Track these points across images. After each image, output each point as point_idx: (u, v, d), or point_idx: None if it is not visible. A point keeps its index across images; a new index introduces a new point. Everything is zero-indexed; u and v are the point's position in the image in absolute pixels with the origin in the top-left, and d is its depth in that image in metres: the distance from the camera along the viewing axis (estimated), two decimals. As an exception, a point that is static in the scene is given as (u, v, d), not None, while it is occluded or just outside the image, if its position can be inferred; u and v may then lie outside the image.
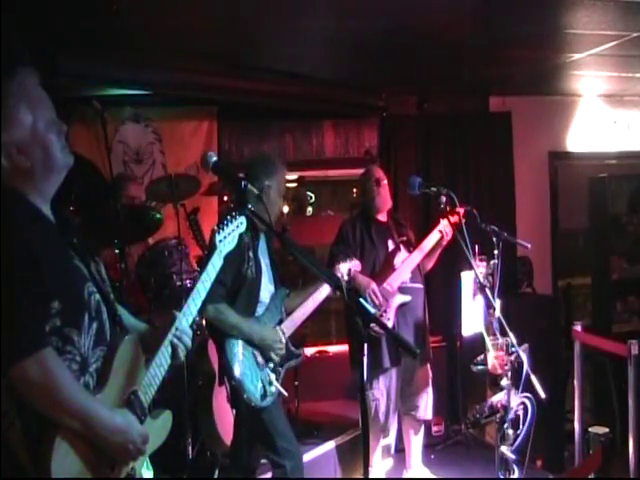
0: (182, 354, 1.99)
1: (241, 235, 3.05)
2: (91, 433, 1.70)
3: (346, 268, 3.55)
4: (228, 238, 2.28)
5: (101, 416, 1.71)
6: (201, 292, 2.11)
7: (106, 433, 1.72)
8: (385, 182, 4.23)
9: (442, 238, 3.96)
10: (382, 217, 4.22)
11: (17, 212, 1.74)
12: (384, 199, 4.20)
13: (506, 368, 3.31)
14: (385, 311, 3.91)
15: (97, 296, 1.85)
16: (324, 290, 3.30)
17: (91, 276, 1.87)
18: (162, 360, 1.95)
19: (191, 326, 2.07)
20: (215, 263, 2.20)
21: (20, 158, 1.76)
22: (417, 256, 4.01)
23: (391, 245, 4.14)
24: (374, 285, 3.90)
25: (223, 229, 2.27)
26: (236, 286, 3.08)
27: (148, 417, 1.90)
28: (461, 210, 3.74)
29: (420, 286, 4.10)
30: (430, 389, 4.18)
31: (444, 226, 3.91)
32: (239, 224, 2.32)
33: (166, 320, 2.02)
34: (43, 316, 1.69)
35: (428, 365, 4.20)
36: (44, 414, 1.65)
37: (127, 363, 1.87)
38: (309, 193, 7.13)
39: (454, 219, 3.74)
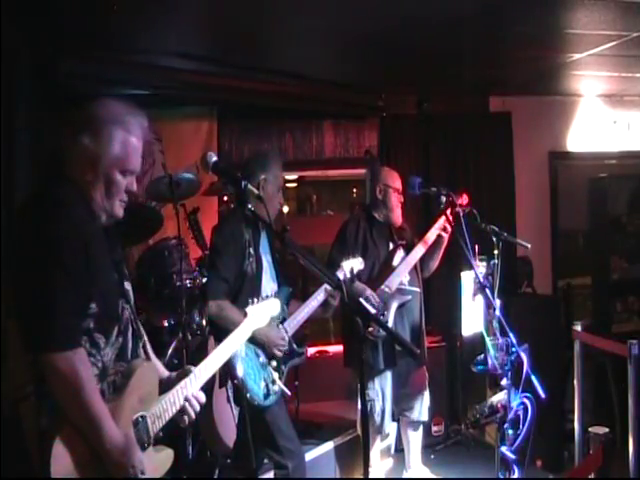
0: (187, 418, 2.04)
1: (242, 232, 3.08)
2: (97, 442, 1.72)
3: (349, 266, 3.54)
4: (259, 314, 2.55)
5: (112, 430, 1.74)
6: (226, 351, 2.31)
7: (112, 447, 1.73)
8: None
9: (441, 236, 3.95)
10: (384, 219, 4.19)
11: (81, 209, 1.82)
12: (400, 212, 4.14)
13: (506, 368, 3.31)
14: (383, 314, 3.88)
15: (127, 313, 1.91)
16: (325, 290, 3.30)
17: (123, 293, 1.93)
18: (176, 399, 1.98)
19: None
20: (242, 331, 2.46)
21: (90, 170, 1.85)
22: (418, 251, 3.99)
23: (391, 246, 4.13)
24: (369, 292, 3.84)
25: (256, 302, 2.59)
26: (238, 283, 3.08)
27: (151, 447, 1.90)
28: (464, 198, 3.74)
29: (418, 290, 4.07)
30: (427, 391, 4.16)
31: (441, 224, 3.91)
32: (271, 305, 2.63)
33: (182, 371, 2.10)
34: (82, 315, 1.74)
35: (424, 368, 4.19)
36: (62, 406, 1.68)
37: (142, 387, 1.89)
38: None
39: (454, 212, 3.75)
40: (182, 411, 2.02)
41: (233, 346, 2.38)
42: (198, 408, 2.05)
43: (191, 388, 2.04)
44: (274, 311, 2.68)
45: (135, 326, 1.95)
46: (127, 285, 1.98)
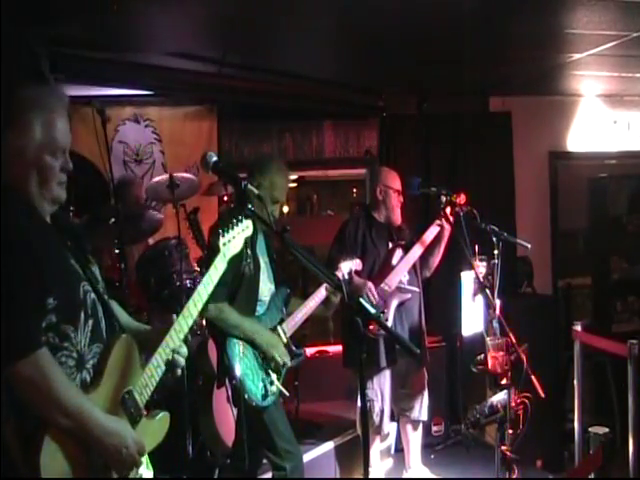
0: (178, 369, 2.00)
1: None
2: (85, 434, 1.70)
3: (347, 267, 3.55)
4: (233, 242, 2.25)
5: (95, 417, 1.72)
6: (202, 295, 2.09)
7: (100, 434, 1.72)
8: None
9: (441, 231, 3.95)
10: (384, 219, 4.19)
11: (16, 210, 1.76)
12: (400, 212, 4.14)
13: (506, 368, 3.31)
14: (383, 312, 3.89)
15: (92, 295, 1.87)
16: (324, 290, 3.30)
17: (86, 276, 1.88)
18: (160, 361, 1.95)
19: (191, 328, 2.06)
20: (218, 266, 2.16)
21: (19, 163, 1.78)
22: (416, 251, 3.99)
23: (390, 246, 4.13)
24: (371, 284, 3.86)
25: (227, 232, 2.23)
26: (235, 285, 3.07)
27: (144, 418, 1.89)
28: (462, 197, 3.75)
29: (417, 290, 4.08)
30: (426, 392, 4.16)
31: (439, 222, 3.92)
32: (244, 228, 2.29)
33: (165, 322, 2.02)
34: (40, 314, 1.70)
35: (424, 368, 4.19)
36: (39, 413, 1.66)
37: (122, 362, 1.86)
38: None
39: (453, 212, 3.76)
40: (168, 368, 1.98)
41: (211, 284, 2.19)
42: (183, 362, 2.01)
43: (172, 343, 1.99)
44: (247, 232, 2.41)
45: (103, 303, 1.90)
46: (95, 269, 1.93)
